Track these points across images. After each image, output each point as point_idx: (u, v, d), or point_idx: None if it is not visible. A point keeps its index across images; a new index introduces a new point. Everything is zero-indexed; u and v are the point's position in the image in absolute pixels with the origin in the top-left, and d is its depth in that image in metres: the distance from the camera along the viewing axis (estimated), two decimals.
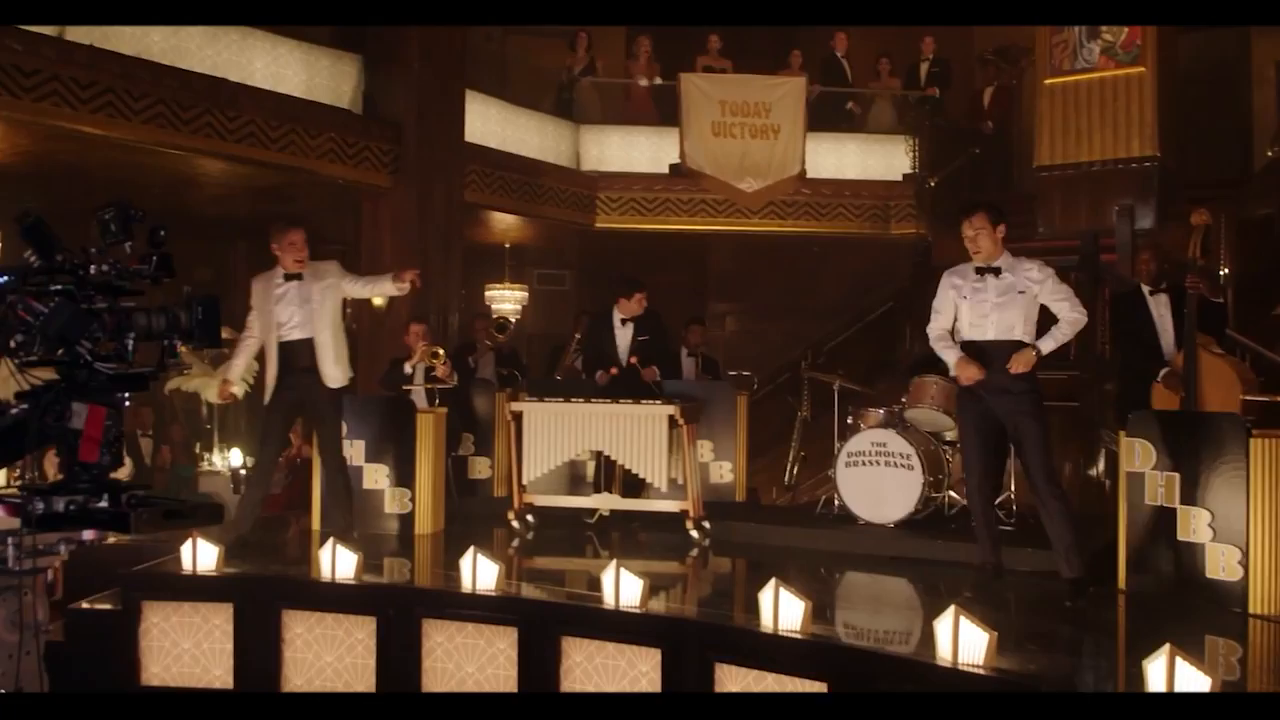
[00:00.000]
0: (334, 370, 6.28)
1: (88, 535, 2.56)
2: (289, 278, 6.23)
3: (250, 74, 9.18)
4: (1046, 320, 5.25)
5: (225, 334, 13.49)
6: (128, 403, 2.58)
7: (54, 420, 2.53)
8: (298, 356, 6.23)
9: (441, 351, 7.82)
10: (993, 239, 5.22)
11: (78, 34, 7.95)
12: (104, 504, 2.52)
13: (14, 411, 2.57)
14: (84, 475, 2.53)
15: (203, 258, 12.43)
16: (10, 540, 2.52)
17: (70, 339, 2.51)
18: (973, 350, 5.17)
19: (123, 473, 9.21)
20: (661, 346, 7.74)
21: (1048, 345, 5.12)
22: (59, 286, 2.55)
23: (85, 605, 5.86)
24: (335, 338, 6.29)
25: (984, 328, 5.18)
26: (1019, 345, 5.11)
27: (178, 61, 8.60)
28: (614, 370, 7.43)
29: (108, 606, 5.74)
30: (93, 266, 2.58)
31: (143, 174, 9.59)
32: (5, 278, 2.57)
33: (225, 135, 8.78)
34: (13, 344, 2.50)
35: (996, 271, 5.19)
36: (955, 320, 5.29)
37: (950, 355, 5.23)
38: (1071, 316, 5.16)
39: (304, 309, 6.21)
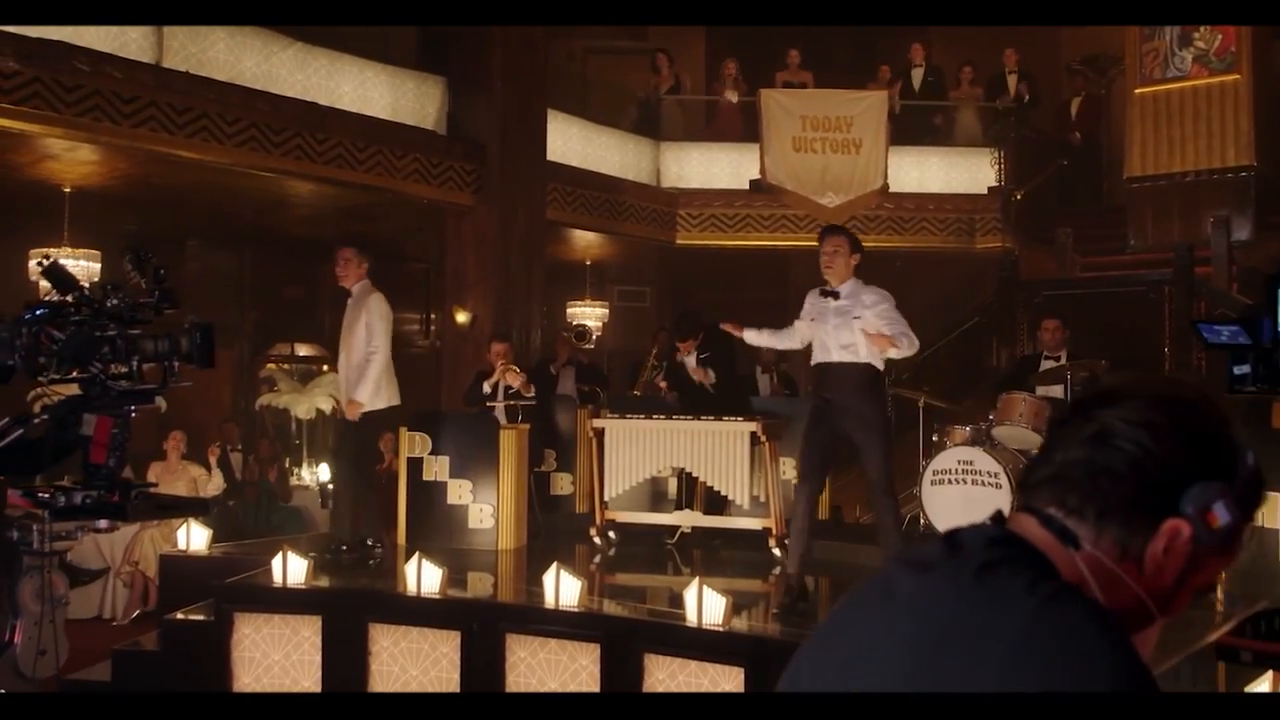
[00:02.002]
0: (355, 394, 6.33)
1: (102, 524, 3.05)
2: (349, 295, 6.43)
3: (338, 97, 9.39)
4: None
5: (307, 350, 13.71)
6: (134, 414, 3.07)
7: (69, 429, 3.03)
8: (349, 370, 6.42)
9: (516, 368, 7.90)
10: (847, 263, 5.37)
11: (174, 61, 8.21)
12: (115, 498, 3.01)
13: (36, 422, 3.06)
14: (99, 475, 3.01)
15: (292, 277, 12.72)
16: (35, 527, 3.00)
17: (83, 360, 3.00)
18: (820, 372, 5.38)
19: (213, 486, 9.53)
20: (723, 361, 7.56)
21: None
22: (78, 317, 3.05)
23: (180, 616, 6.03)
24: (358, 365, 6.35)
25: (828, 350, 5.35)
26: (863, 366, 5.27)
27: (269, 86, 8.82)
28: (666, 387, 7.48)
29: (201, 617, 5.89)
30: (109, 300, 3.08)
31: (235, 196, 9.85)
32: (41, 311, 3.05)
33: (314, 157, 8.99)
34: (39, 365, 3.01)
35: (836, 295, 5.36)
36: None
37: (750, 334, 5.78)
38: (904, 348, 5.26)
39: (353, 326, 6.39)
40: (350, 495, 6.68)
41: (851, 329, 5.29)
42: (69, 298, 3.10)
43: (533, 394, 7.97)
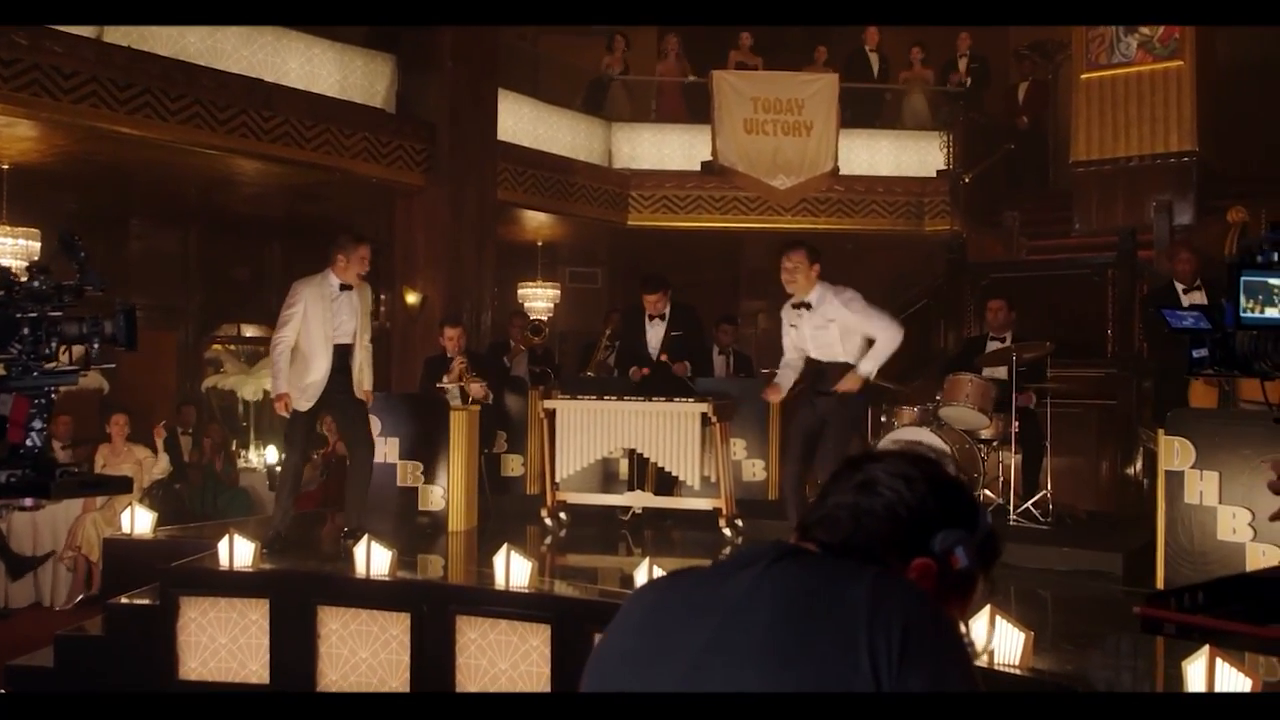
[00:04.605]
0: (368, 378, 6.48)
1: (27, 502, 3.07)
2: (344, 288, 6.37)
3: (285, 74, 9.25)
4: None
5: (254, 331, 13.56)
6: (55, 395, 3.11)
7: None
8: (342, 360, 6.38)
9: (482, 383, 7.80)
10: (808, 275, 5.76)
11: (116, 35, 8.04)
12: (40, 477, 3.06)
13: None
14: (22, 455, 3.05)
15: (240, 257, 12.54)
16: None
17: (1, 342, 3.05)
18: (813, 365, 5.90)
19: (159, 468, 9.42)
20: (696, 343, 7.72)
21: (867, 366, 5.76)
22: None
23: (124, 600, 5.95)
24: (367, 350, 6.50)
25: (812, 350, 5.87)
26: (844, 365, 5.76)
27: (214, 62, 8.67)
28: (645, 370, 7.43)
29: (146, 601, 5.82)
30: (35, 282, 3.12)
31: (180, 174, 9.70)
32: None
33: (261, 135, 8.85)
34: None
35: (808, 306, 5.72)
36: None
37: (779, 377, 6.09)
38: (886, 336, 5.75)
39: (353, 319, 6.42)
40: (365, 484, 6.61)
41: (828, 331, 5.74)
42: None
43: (489, 398, 7.89)
